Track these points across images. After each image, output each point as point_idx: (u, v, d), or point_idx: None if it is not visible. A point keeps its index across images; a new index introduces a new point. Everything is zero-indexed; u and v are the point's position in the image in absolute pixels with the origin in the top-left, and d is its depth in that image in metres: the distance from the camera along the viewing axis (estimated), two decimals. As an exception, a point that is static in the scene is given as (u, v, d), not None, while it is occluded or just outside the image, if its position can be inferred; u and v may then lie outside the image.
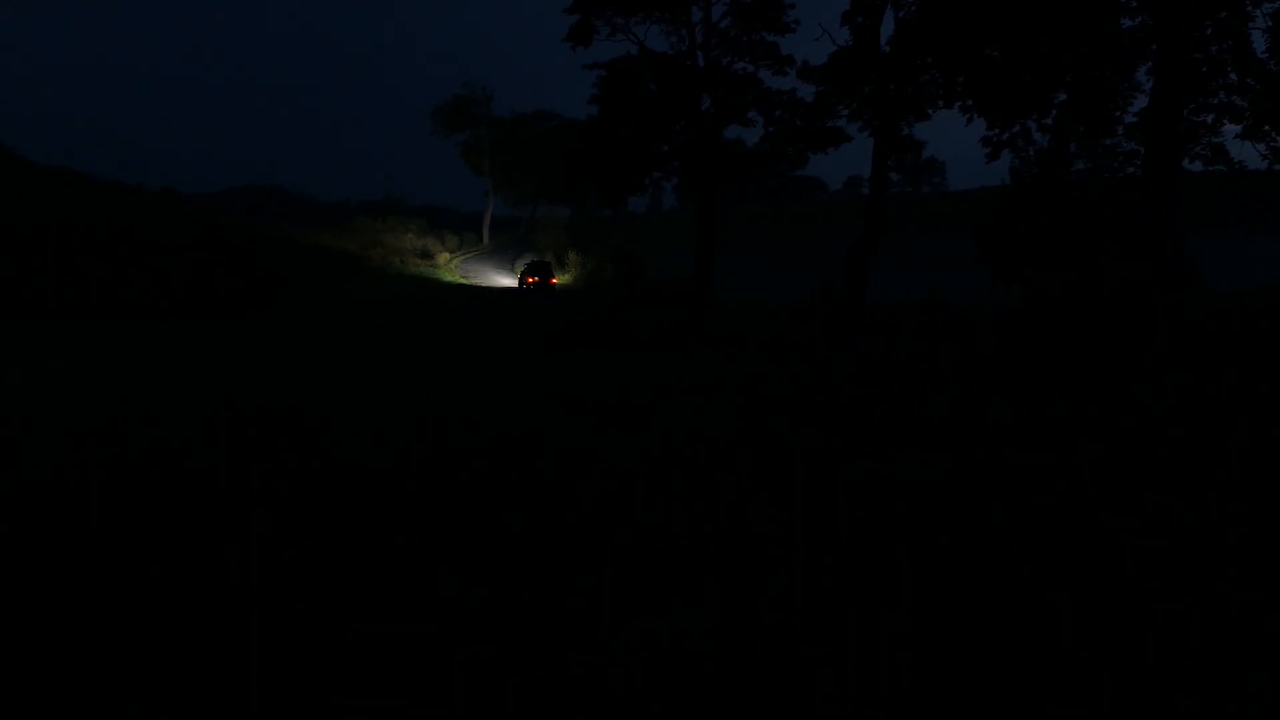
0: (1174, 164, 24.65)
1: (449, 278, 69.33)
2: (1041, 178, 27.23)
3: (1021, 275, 25.28)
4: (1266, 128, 24.45)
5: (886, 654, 4.50)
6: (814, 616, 4.96)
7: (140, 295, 36.14)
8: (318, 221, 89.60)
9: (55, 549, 6.12)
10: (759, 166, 46.43)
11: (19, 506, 7.19)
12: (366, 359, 22.24)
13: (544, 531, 6.50)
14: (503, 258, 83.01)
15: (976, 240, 27.49)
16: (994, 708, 4.04)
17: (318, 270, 54.71)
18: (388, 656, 4.47)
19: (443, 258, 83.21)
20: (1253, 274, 31.69)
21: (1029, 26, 26.21)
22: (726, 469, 8.52)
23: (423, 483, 8.01)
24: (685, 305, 42.18)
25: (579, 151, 47.69)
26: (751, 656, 4.48)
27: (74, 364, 18.51)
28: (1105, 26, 25.92)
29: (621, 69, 41.84)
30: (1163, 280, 22.81)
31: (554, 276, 60.74)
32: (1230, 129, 25.16)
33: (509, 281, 62.89)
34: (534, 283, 58.12)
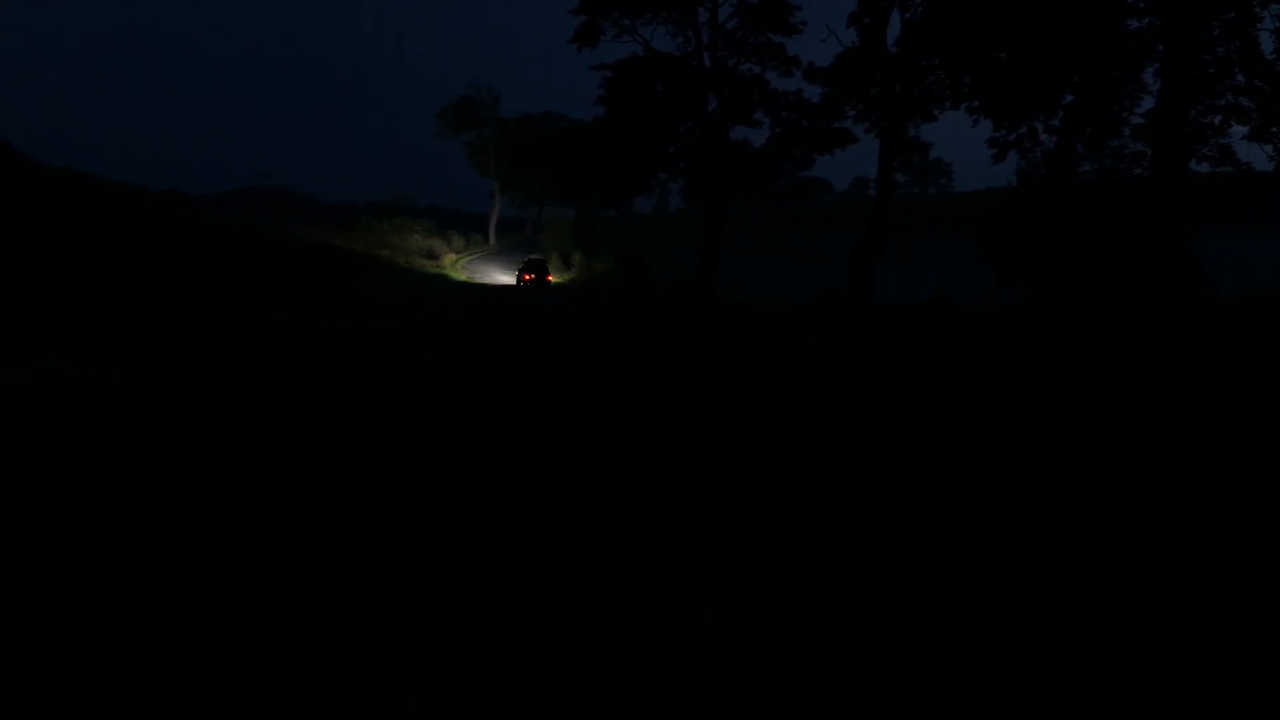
0: (1181, 165, 24.59)
1: (456, 278, 69.83)
2: (1048, 179, 27.20)
3: (1027, 276, 25.27)
4: (1274, 129, 24.39)
5: (889, 654, 4.48)
6: (818, 617, 4.95)
7: (145, 295, 36.22)
8: (323, 222, 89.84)
9: (55, 549, 6.13)
10: (765, 167, 46.39)
11: (19, 506, 7.20)
12: (372, 359, 22.27)
13: (548, 531, 6.49)
14: (508, 258, 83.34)
15: (982, 241, 27.49)
16: (997, 708, 4.02)
17: (324, 270, 54.81)
18: (393, 656, 4.46)
19: (449, 258, 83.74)
20: (1259, 276, 31.62)
21: (1035, 27, 26.18)
22: (730, 470, 8.51)
23: (427, 483, 8.01)
24: (690, 306, 42.17)
25: (586, 152, 47.72)
26: (756, 657, 4.47)
27: (76, 364, 18.55)
28: (1112, 27, 25.87)
29: (628, 70, 41.81)
30: (1165, 282, 22.76)
31: (550, 274, 62.38)
32: (1238, 130, 25.10)
33: (513, 281, 63.99)
34: (530, 280, 60.03)
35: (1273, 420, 10.91)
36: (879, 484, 7.90)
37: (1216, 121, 25.16)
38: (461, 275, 72.92)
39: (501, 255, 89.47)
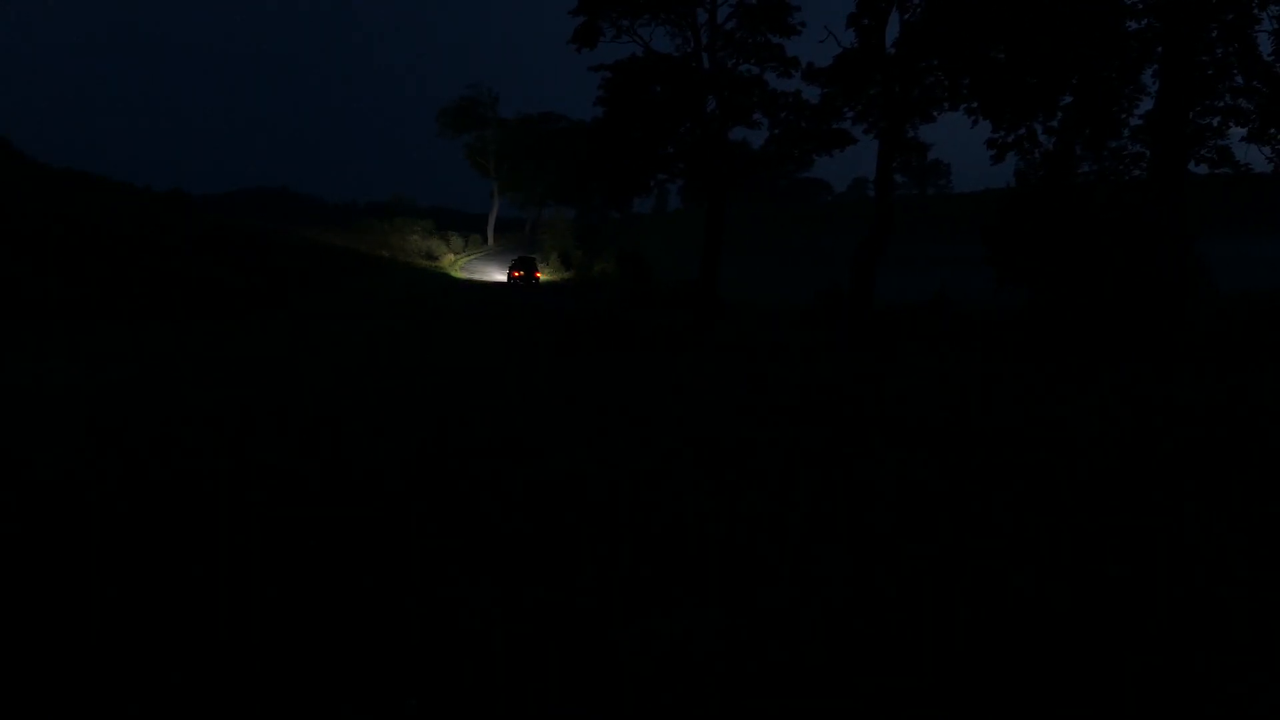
0: (1180, 167, 24.62)
1: (456, 277, 70.19)
2: (1047, 180, 27.23)
3: (1027, 277, 25.32)
4: (1273, 131, 24.43)
5: (891, 655, 4.52)
6: (821, 617, 4.99)
7: (146, 295, 36.28)
8: (325, 222, 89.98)
9: (56, 549, 6.17)
10: (764, 168, 46.45)
11: (21, 505, 7.24)
12: (372, 359, 22.29)
13: (549, 531, 6.53)
14: (507, 258, 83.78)
15: (984, 241, 27.54)
16: (1001, 708, 4.06)
17: (325, 270, 54.87)
18: (394, 655, 4.50)
19: (449, 258, 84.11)
20: (1260, 276, 31.65)
21: (1035, 28, 26.21)
22: (732, 470, 8.55)
23: (428, 482, 8.05)
24: (691, 306, 42.23)
25: (586, 153, 47.77)
26: (758, 657, 4.51)
27: (77, 363, 18.58)
28: (1111, 28, 25.90)
29: (627, 71, 41.84)
30: (1165, 282, 22.80)
31: (538, 271, 64.84)
32: (1236, 131, 25.13)
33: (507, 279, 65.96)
34: (519, 277, 62.59)
35: (1271, 420, 10.96)
36: (880, 484, 7.94)
37: (1215, 123, 25.19)
38: (461, 274, 73.80)
39: (501, 255, 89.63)
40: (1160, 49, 25.09)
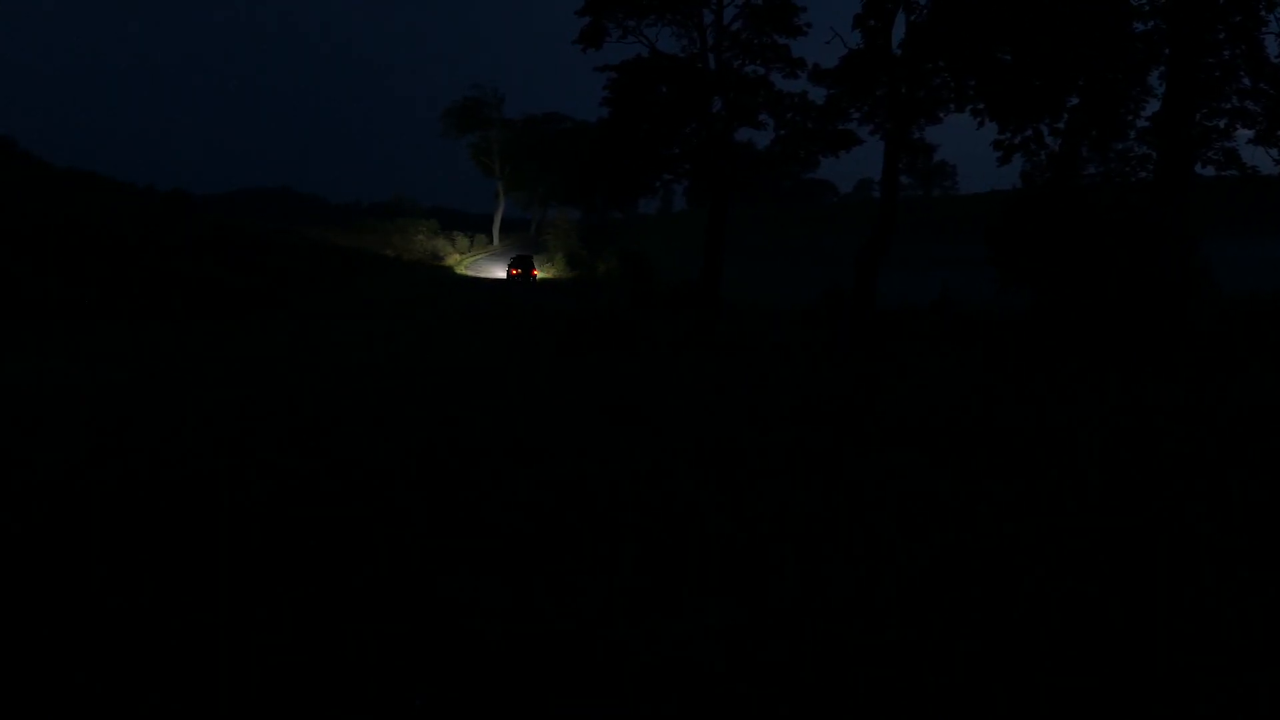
0: (1186, 168, 24.56)
1: (461, 277, 70.78)
2: (1053, 181, 27.18)
3: (1031, 278, 25.26)
4: (1279, 133, 24.37)
5: (895, 656, 4.50)
6: (823, 617, 4.96)
7: (149, 296, 36.32)
8: (327, 222, 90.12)
9: (57, 549, 6.16)
10: (769, 169, 46.38)
11: (24, 503, 7.24)
12: (376, 359, 22.30)
13: (553, 532, 6.51)
14: (511, 258, 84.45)
15: (987, 242, 27.48)
16: (1006, 707, 4.04)
17: (328, 270, 54.93)
18: (401, 655, 4.48)
19: (453, 258, 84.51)
20: (1266, 278, 31.56)
21: (1041, 30, 26.16)
22: (735, 470, 8.52)
23: (432, 482, 8.04)
24: (695, 307, 42.17)
25: (591, 154, 47.76)
26: (761, 658, 4.49)
27: (79, 362, 18.60)
28: (1118, 30, 25.85)
29: (633, 71, 41.78)
30: (1167, 284, 22.74)
31: (535, 269, 67.32)
32: (1243, 134, 25.07)
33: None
34: (517, 274, 65.38)
35: (1269, 421, 10.93)
36: (881, 485, 7.91)
37: (1221, 125, 25.13)
38: (467, 273, 75.22)
39: (505, 255, 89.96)
40: (1167, 51, 25.04)
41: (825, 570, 5.75)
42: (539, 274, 67.88)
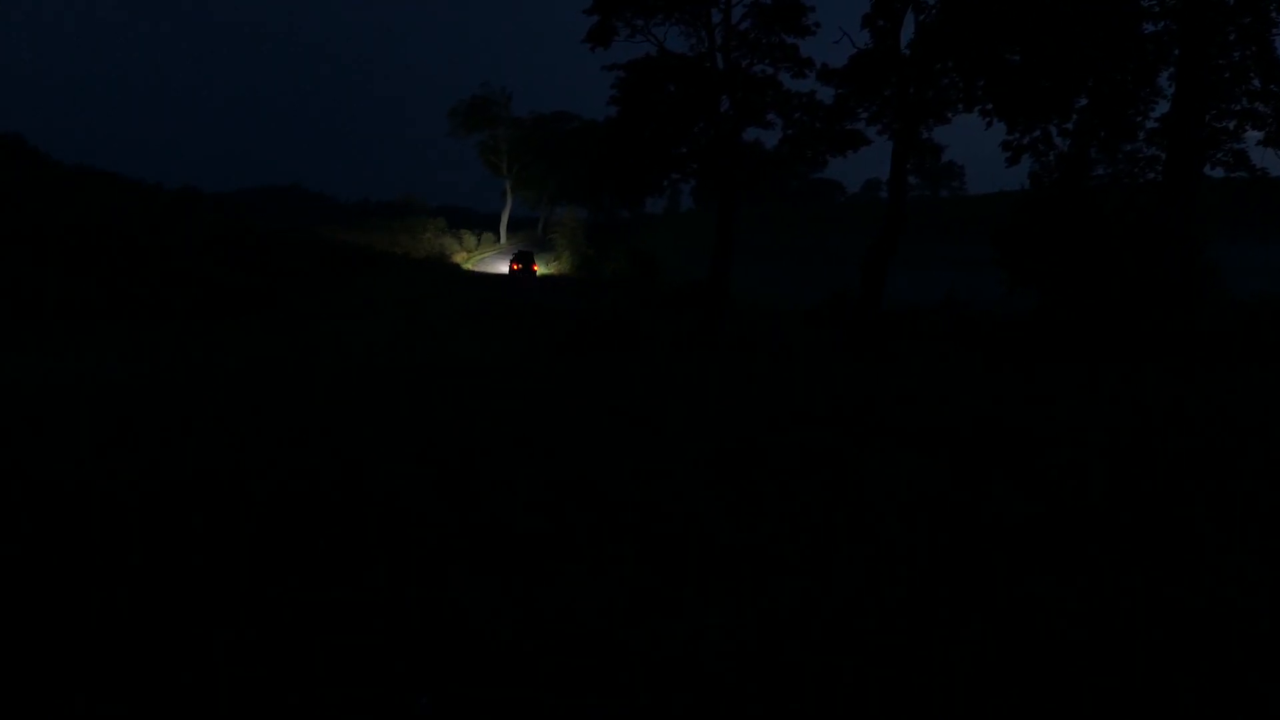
0: (1195, 170, 24.51)
1: (465, 274, 71.65)
2: (1061, 182, 27.15)
3: (1038, 279, 25.23)
4: (1289, 135, 24.31)
5: (900, 656, 4.50)
6: (830, 618, 4.97)
7: (157, 295, 36.46)
8: (336, 221, 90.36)
9: (59, 547, 6.20)
10: (777, 168, 46.36)
11: (30, 499, 7.28)
12: (387, 356, 22.35)
13: (556, 530, 6.52)
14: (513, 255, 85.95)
15: (995, 244, 27.46)
16: (1010, 708, 4.04)
17: (336, 269, 55.03)
18: (403, 654, 4.50)
19: (461, 256, 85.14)
20: (1275, 280, 31.44)
21: (1050, 30, 26.13)
22: (740, 469, 8.53)
23: (436, 480, 8.05)
24: (701, 307, 42.20)
25: (599, 153, 47.79)
26: (766, 658, 4.49)
27: (83, 361, 18.68)
28: (1127, 31, 25.81)
29: (641, 70, 41.81)
30: (1171, 285, 22.70)
31: (535, 264, 72.06)
32: (1252, 135, 25.01)
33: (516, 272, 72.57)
34: (518, 269, 69.98)
35: (1267, 421, 10.91)
36: (886, 485, 7.91)
37: (1231, 126, 25.08)
38: (475, 270, 79.03)
39: (511, 253, 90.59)
40: (1176, 52, 24.99)
41: (831, 570, 5.75)
42: (539, 269, 72.55)
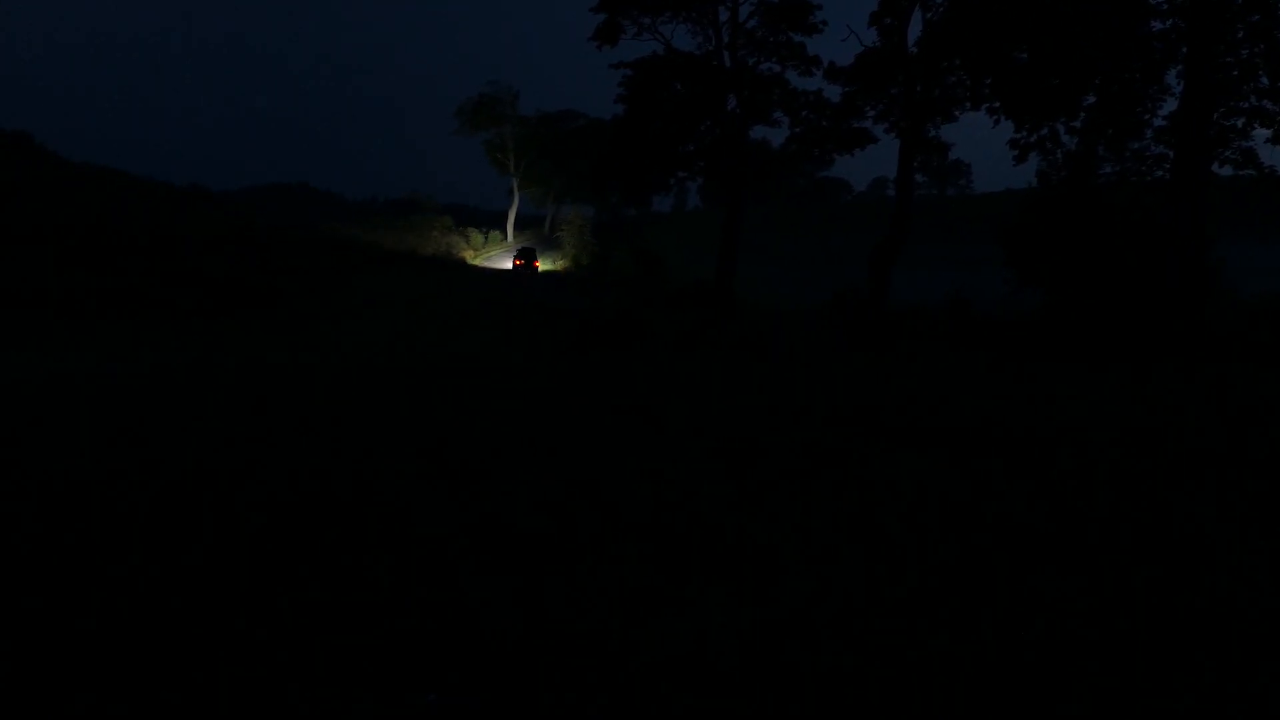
0: (1203, 168, 24.44)
1: (471, 271, 72.50)
2: (1069, 180, 27.08)
3: (1044, 279, 25.17)
4: (1298, 133, 24.24)
5: (905, 656, 4.50)
6: (833, 616, 4.97)
7: (165, 292, 36.51)
8: (344, 219, 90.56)
9: (61, 546, 6.22)
10: (784, 167, 46.38)
11: (34, 495, 7.31)
12: (393, 354, 22.36)
13: (563, 529, 6.53)
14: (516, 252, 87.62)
15: (1004, 243, 27.38)
16: (1014, 707, 4.04)
17: (344, 266, 55.06)
18: (411, 652, 4.51)
19: (468, 254, 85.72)
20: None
21: (1058, 28, 26.07)
22: (745, 468, 8.53)
23: (442, 479, 8.06)
24: (707, 306, 42.17)
25: (607, 151, 47.82)
26: (772, 657, 4.49)
27: (92, 358, 18.72)
28: (1135, 29, 25.73)
29: (648, 68, 41.84)
30: (1173, 285, 22.63)
31: (537, 260, 75.61)
32: (1261, 133, 24.93)
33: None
34: (521, 265, 73.73)
35: (1271, 421, 10.87)
36: (889, 484, 7.90)
37: (1239, 124, 25.01)
38: (480, 264, 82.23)
39: (515, 251, 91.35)
40: (1184, 49, 24.91)
41: (835, 568, 5.75)
42: (540, 265, 75.89)
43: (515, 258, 76.44)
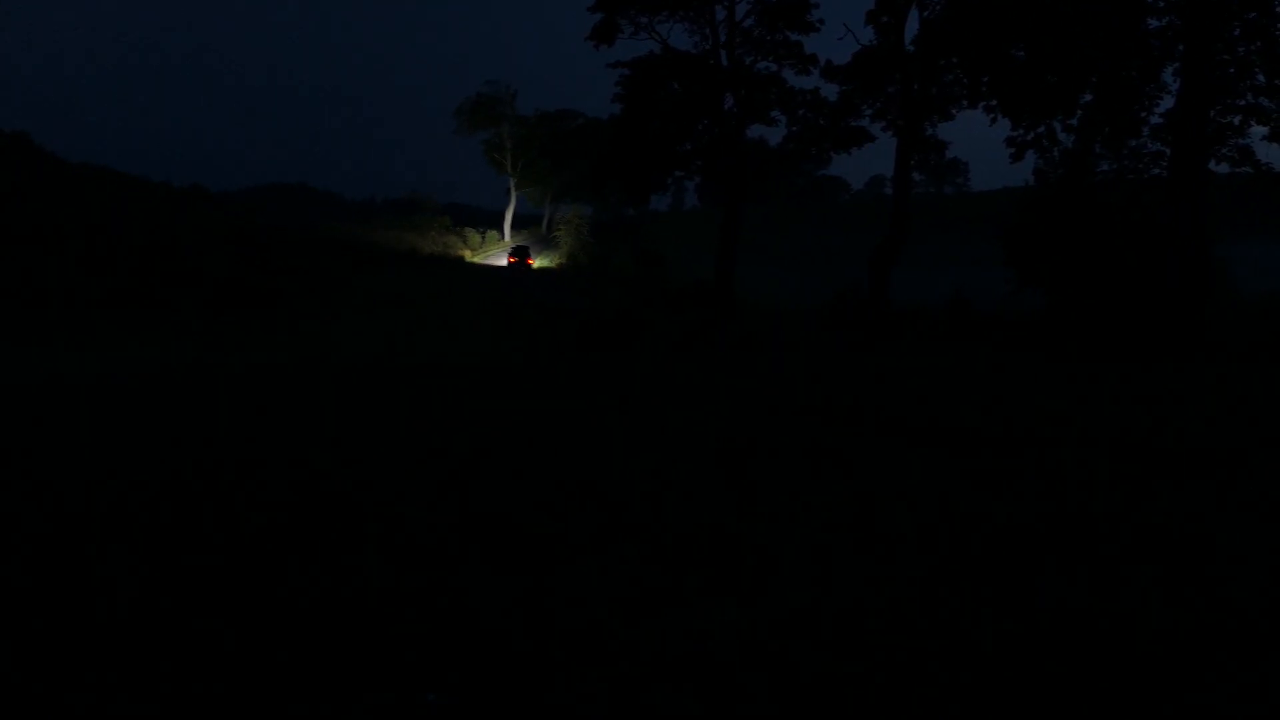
0: (1200, 166, 24.47)
1: (470, 269, 73.01)
2: (1066, 179, 27.13)
3: (1046, 279, 25.21)
4: (1295, 130, 24.26)
5: (906, 656, 4.52)
6: (836, 615, 4.98)
7: (166, 291, 36.49)
8: (343, 219, 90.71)
9: (63, 545, 6.23)
10: (782, 165, 46.41)
11: (34, 493, 7.32)
12: (394, 353, 22.36)
13: (562, 528, 6.55)
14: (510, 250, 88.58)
15: (1004, 243, 27.42)
16: (1010, 710, 4.06)
17: (343, 266, 55.05)
18: (412, 650, 4.52)
19: (465, 253, 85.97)
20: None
21: (1055, 27, 26.09)
22: (745, 467, 8.55)
23: (443, 478, 8.08)
24: (707, 305, 42.19)
25: (604, 151, 47.83)
26: (773, 656, 4.51)
27: (93, 358, 18.71)
28: (1132, 27, 25.76)
29: (645, 68, 41.85)
30: (1172, 285, 22.65)
31: (530, 258, 77.82)
32: (1258, 130, 24.97)
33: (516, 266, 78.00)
34: (515, 262, 75.91)
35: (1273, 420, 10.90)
36: (890, 482, 7.92)
37: (1236, 122, 25.04)
38: (478, 262, 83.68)
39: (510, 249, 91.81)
40: (1181, 47, 24.94)
41: (837, 568, 5.76)
42: (534, 263, 78.19)
43: (509, 255, 78.94)
